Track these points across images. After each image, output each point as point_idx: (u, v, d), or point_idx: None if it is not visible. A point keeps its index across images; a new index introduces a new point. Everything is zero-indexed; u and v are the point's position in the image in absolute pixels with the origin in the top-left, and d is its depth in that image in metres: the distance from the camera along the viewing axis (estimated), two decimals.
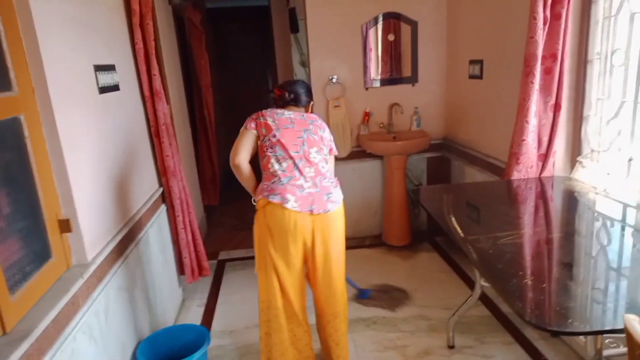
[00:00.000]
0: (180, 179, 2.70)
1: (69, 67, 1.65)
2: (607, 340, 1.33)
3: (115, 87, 2.08)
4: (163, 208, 2.65)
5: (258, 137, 1.90)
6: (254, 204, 1.96)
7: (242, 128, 1.93)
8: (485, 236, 1.70)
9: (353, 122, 3.44)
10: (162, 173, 2.62)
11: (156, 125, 2.51)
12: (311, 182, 1.86)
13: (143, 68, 2.40)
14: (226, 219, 4.36)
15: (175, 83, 3.41)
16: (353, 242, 3.47)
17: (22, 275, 1.37)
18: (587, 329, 1.12)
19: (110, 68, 2.03)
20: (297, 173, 1.85)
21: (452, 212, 2.06)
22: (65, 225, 1.57)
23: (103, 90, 1.93)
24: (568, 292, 1.30)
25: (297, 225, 1.80)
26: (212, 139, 4.43)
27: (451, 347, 2.26)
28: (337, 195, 1.92)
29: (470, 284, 2.83)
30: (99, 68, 1.89)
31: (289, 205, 1.79)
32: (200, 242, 2.88)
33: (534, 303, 1.25)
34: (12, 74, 1.37)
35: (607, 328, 1.10)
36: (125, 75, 2.25)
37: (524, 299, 1.26)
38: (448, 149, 3.53)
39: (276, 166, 1.85)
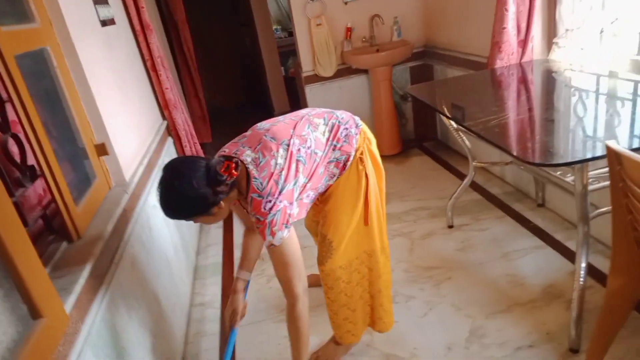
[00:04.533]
0: (182, 110, 2.81)
1: (75, 1, 1.71)
2: (590, 179, 1.58)
3: (112, 21, 2.13)
4: (170, 140, 2.78)
5: (302, 164, 1.41)
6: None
7: (285, 235, 1.31)
8: (475, 122, 1.91)
9: (336, 39, 3.51)
10: (164, 106, 2.71)
11: (151, 59, 2.57)
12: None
13: (130, 2, 2.42)
14: None
15: (154, 17, 3.40)
16: None
17: (79, 192, 1.53)
18: (570, 159, 1.36)
19: (104, 1, 2.07)
20: (322, 110, 1.59)
21: (442, 103, 2.24)
22: (101, 149, 1.72)
23: (104, 23, 1.99)
24: (552, 140, 1.54)
25: None
26: (195, 75, 4.44)
27: (450, 226, 2.55)
28: None
29: (460, 176, 3.10)
30: (96, 1, 1.94)
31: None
32: None
33: (523, 148, 1.49)
34: (32, 6, 1.45)
35: (588, 157, 1.34)
36: (116, 9, 2.29)
37: (515, 145, 1.50)
38: (429, 55, 3.66)
39: (321, 120, 1.52)
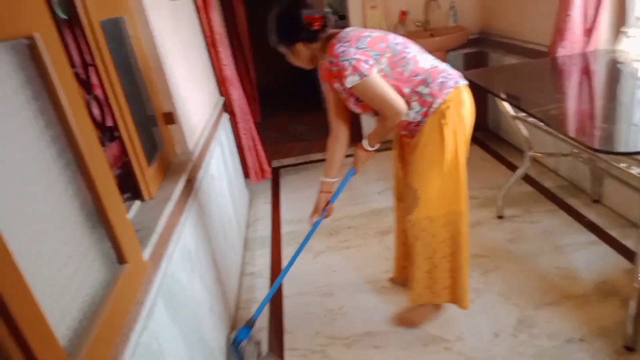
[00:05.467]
0: (238, 87, 2.89)
1: None
2: None
3: None
4: (226, 116, 2.87)
5: (380, 60, 1.52)
6: (368, 145, 1.73)
7: (358, 80, 1.49)
8: (534, 109, 1.87)
9: (390, 22, 3.48)
10: (222, 83, 2.79)
11: (211, 35, 2.65)
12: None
13: None
14: (270, 133, 4.57)
15: None
16: None
17: (148, 157, 1.62)
18: (632, 149, 1.32)
19: None
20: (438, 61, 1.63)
21: (500, 90, 2.20)
22: (169, 118, 1.80)
23: None
24: (616, 129, 1.50)
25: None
26: (248, 55, 4.53)
27: (500, 217, 2.52)
28: None
29: (511, 168, 3.04)
30: None
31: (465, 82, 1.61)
32: (260, 147, 3.13)
33: (587, 135, 1.46)
34: None
35: None
36: None
37: (578, 133, 1.47)
38: (485, 42, 3.57)
39: (429, 59, 1.59)
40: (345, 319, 1.94)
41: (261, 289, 2.22)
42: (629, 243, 2.11)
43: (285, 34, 1.61)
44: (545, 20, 2.62)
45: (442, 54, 3.40)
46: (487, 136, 3.66)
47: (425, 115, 1.59)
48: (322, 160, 3.66)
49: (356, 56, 1.49)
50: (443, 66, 1.59)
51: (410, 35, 3.50)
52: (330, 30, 1.62)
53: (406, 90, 1.57)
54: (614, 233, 2.21)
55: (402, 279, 2.04)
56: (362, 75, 1.48)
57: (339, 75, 1.53)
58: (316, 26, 1.57)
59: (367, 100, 1.57)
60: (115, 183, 1.01)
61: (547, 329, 1.73)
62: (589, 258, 2.08)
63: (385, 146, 3.46)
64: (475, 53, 3.67)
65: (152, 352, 1.09)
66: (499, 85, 2.25)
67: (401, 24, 3.48)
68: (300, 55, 1.64)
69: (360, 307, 1.98)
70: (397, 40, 1.57)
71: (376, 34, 1.57)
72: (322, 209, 1.83)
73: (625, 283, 1.87)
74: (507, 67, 3.05)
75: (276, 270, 2.36)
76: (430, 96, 1.55)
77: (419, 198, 1.63)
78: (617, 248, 2.11)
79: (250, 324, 1.76)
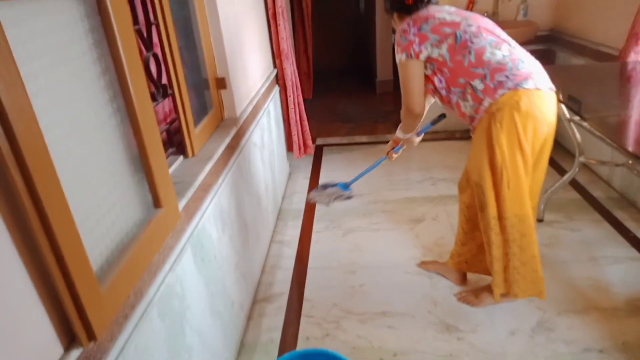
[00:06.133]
0: (292, 62, 2.94)
1: None
2: None
3: None
4: (277, 88, 2.94)
5: (439, 45, 1.55)
6: (399, 133, 1.86)
7: (403, 58, 1.59)
8: (592, 114, 1.79)
9: None
10: (277, 55, 2.86)
11: (273, 8, 2.71)
12: (532, 59, 1.58)
13: None
14: (319, 111, 4.63)
15: None
16: (444, 135, 3.64)
17: (197, 117, 1.72)
18: None
19: None
20: (520, 54, 1.55)
21: (560, 90, 2.12)
22: (221, 83, 1.89)
23: None
24: None
25: (552, 109, 1.55)
26: (308, 32, 4.58)
27: (540, 220, 2.45)
28: None
29: (560, 172, 2.93)
30: None
31: (543, 87, 1.50)
32: (306, 122, 3.19)
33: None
34: None
35: None
36: None
37: (632, 141, 1.41)
38: (554, 40, 3.41)
39: (499, 53, 1.51)
40: (364, 296, 1.99)
41: (288, 257, 2.31)
42: None
43: (387, 1, 1.74)
44: (620, 22, 2.48)
45: None
46: None
47: (477, 111, 1.58)
48: (367, 143, 3.72)
49: (410, 37, 1.57)
50: (516, 64, 1.50)
51: None
52: (430, 7, 1.63)
53: (461, 80, 1.56)
54: None
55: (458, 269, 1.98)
56: (406, 56, 1.59)
57: (396, 50, 1.64)
58: (409, 0, 1.63)
59: (400, 81, 1.68)
60: (159, 133, 1.09)
61: (566, 335, 1.70)
62: (625, 273, 2.00)
63: (431, 137, 3.43)
64: (543, 51, 3.51)
65: (175, 293, 1.20)
66: (560, 86, 2.16)
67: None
68: (397, 25, 1.70)
69: (380, 288, 2.02)
70: (471, 29, 1.53)
71: (450, 17, 1.56)
72: (387, 152, 1.98)
73: None
74: (572, 67, 2.91)
75: (305, 241, 2.43)
76: (482, 93, 1.53)
77: (486, 196, 1.63)
78: None
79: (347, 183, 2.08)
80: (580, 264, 2.08)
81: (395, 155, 1.98)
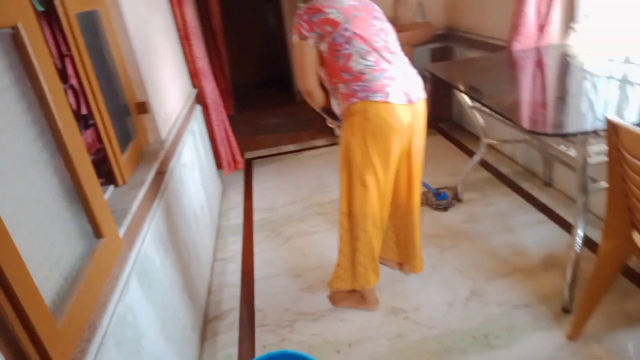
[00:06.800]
0: (211, 79, 2.96)
1: None
2: (591, 155, 1.70)
3: None
4: (199, 108, 2.94)
5: (320, 39, 1.66)
6: (331, 125, 1.98)
7: (297, 39, 1.71)
8: (489, 99, 2.02)
9: None
10: (194, 75, 2.86)
11: (185, 29, 2.72)
12: (400, 70, 1.65)
13: None
14: (243, 126, 4.65)
15: None
16: None
17: (122, 145, 1.69)
18: (573, 130, 1.48)
19: None
20: (385, 64, 1.62)
21: (459, 81, 2.35)
22: (142, 107, 1.88)
23: None
24: (560, 116, 1.66)
25: (402, 120, 1.62)
26: (221, 49, 4.58)
27: (459, 200, 2.68)
28: (422, 81, 1.75)
29: (470, 154, 3.21)
30: None
31: (392, 100, 1.58)
32: (232, 138, 3.21)
33: (532, 121, 1.61)
34: None
35: (589, 129, 1.46)
36: None
37: (525, 119, 1.62)
38: (451, 38, 3.74)
39: (362, 63, 1.60)
40: (313, 297, 2.06)
41: (233, 273, 2.32)
42: (573, 220, 2.29)
43: None
44: (504, 16, 2.79)
45: (409, 48, 3.55)
46: (451, 126, 3.85)
47: (342, 111, 1.71)
48: (294, 151, 3.80)
49: (301, 22, 1.67)
50: (374, 75, 1.59)
51: None
52: None
53: (334, 79, 1.70)
54: (561, 212, 2.41)
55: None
56: (298, 37, 1.70)
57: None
58: None
59: (295, 61, 1.79)
60: (90, 163, 1.09)
61: (496, 298, 1.89)
62: (538, 235, 2.26)
63: None
64: (441, 48, 3.83)
65: (127, 323, 1.19)
66: (459, 77, 2.40)
67: None
68: None
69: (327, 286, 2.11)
70: (346, 34, 1.61)
71: (336, 15, 1.62)
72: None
73: (566, 255, 2.04)
74: (467, 60, 3.21)
75: (248, 254, 2.46)
76: (343, 96, 1.67)
77: (340, 192, 1.78)
78: (563, 225, 2.30)
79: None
80: (498, 233, 2.31)
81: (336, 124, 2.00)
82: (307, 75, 1.75)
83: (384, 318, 1.88)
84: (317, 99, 1.83)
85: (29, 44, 0.88)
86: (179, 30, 2.72)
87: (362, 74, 1.60)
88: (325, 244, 2.45)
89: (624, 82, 1.90)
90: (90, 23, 1.62)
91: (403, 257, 2.07)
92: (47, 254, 0.90)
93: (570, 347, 1.63)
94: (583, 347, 1.62)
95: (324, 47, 1.68)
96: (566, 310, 1.77)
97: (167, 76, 2.30)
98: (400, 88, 1.61)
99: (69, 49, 1.38)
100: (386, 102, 1.58)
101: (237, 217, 2.88)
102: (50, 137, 0.96)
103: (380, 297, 1.98)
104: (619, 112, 1.60)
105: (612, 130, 1.30)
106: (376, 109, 1.58)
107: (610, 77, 1.97)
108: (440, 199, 2.69)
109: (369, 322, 1.87)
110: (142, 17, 2.02)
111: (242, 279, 2.26)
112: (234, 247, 2.56)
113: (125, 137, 1.77)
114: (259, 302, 2.08)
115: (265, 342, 1.85)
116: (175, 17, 2.68)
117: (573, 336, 1.66)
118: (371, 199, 1.73)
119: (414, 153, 1.78)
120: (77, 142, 1.02)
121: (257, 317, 1.99)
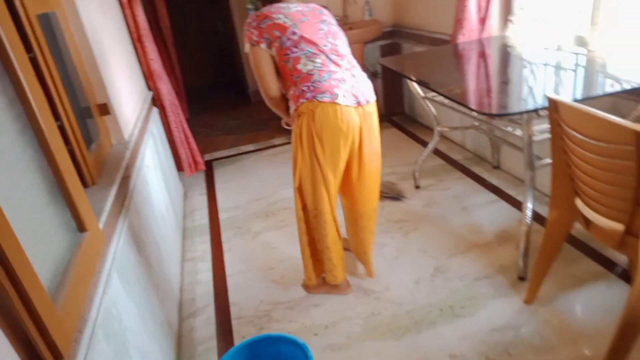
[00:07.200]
0: (167, 81, 2.94)
1: None
2: (535, 134, 1.87)
3: None
4: (156, 110, 2.91)
5: (270, 45, 1.69)
6: (286, 126, 1.99)
7: (249, 46, 1.72)
8: (440, 88, 2.16)
9: None
10: (149, 77, 2.84)
11: (137, 31, 2.69)
12: (349, 73, 1.71)
13: None
14: (199, 129, 4.61)
15: None
16: None
17: (88, 146, 1.68)
18: (518, 110, 1.63)
19: None
20: (333, 66, 1.67)
21: (411, 74, 2.48)
22: (103, 109, 1.86)
23: None
24: (505, 99, 1.81)
25: (349, 122, 1.66)
26: (171, 52, 4.53)
27: (417, 187, 2.83)
28: (371, 85, 1.80)
29: (426, 146, 3.37)
30: None
31: (340, 101, 1.62)
32: (192, 139, 3.20)
33: (480, 104, 1.76)
34: None
35: (532, 108, 1.62)
36: None
37: (474, 102, 1.77)
38: (398, 34, 3.90)
39: (310, 64, 1.65)
40: (287, 286, 2.12)
41: (204, 271, 2.33)
42: (521, 198, 2.49)
43: None
44: (448, 12, 2.97)
45: (360, 46, 3.68)
46: (405, 120, 4.02)
47: (292, 114, 1.74)
48: (254, 150, 3.83)
49: (251, 29, 1.69)
50: (321, 76, 1.64)
51: None
52: (282, 3, 1.73)
53: (287, 83, 1.75)
54: (510, 192, 2.60)
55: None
56: (250, 44, 1.71)
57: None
58: None
59: (252, 69, 1.77)
60: (69, 159, 1.10)
61: (458, 272, 2.03)
62: (491, 214, 2.43)
63: None
64: (390, 44, 3.99)
65: (113, 316, 1.20)
66: (409, 70, 2.54)
67: None
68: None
69: (300, 275, 2.17)
70: (294, 38, 1.65)
71: (283, 20, 1.66)
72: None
73: (517, 230, 2.22)
74: (416, 54, 3.37)
75: (217, 252, 2.48)
76: (292, 98, 1.71)
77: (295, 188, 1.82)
78: (512, 203, 2.49)
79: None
80: (455, 215, 2.47)
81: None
82: (268, 81, 1.75)
83: (357, 300, 1.97)
84: (279, 104, 1.83)
85: (7, 42, 0.89)
86: (131, 32, 2.69)
87: (310, 75, 1.65)
88: (295, 236, 2.48)
89: (558, 67, 2.10)
90: (48, 25, 1.59)
91: (359, 258, 2.12)
92: (37, 249, 0.91)
93: (527, 310, 1.79)
94: (539, 309, 1.78)
95: (274, 52, 1.70)
96: (521, 278, 1.93)
97: (125, 78, 2.28)
98: (348, 90, 1.66)
99: (31, 50, 1.37)
100: (334, 103, 1.62)
101: (202, 218, 2.88)
102: (32, 134, 0.97)
103: (352, 281, 2.07)
104: (556, 93, 1.78)
105: (553, 107, 1.45)
106: (323, 109, 1.62)
107: (546, 64, 2.17)
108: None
109: (343, 305, 1.95)
110: (97, 18, 2.00)
111: (213, 276, 2.28)
112: (202, 246, 2.56)
113: (89, 138, 1.76)
114: (233, 297, 2.11)
115: (244, 333, 1.88)
116: (127, 19, 2.65)
117: (529, 300, 1.82)
118: (323, 198, 1.78)
119: (365, 157, 1.80)
120: (57, 139, 1.03)
121: (233, 310, 2.02)
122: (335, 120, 1.63)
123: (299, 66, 1.66)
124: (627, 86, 1.70)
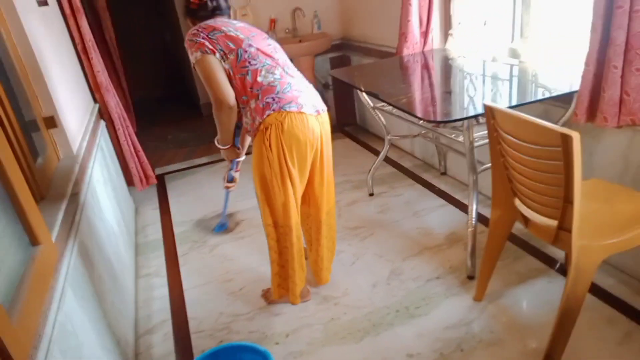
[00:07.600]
0: (114, 94, 2.87)
1: None
2: (476, 139, 2.01)
3: (45, 2, 2.18)
4: (103, 123, 2.83)
5: (225, 57, 1.66)
6: (218, 144, 1.95)
7: (200, 55, 1.63)
8: (388, 98, 2.26)
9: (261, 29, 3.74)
10: (96, 89, 2.76)
11: (82, 43, 2.62)
12: (303, 84, 1.76)
13: None
14: (150, 142, 4.51)
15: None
16: None
17: (35, 160, 1.62)
18: (460, 116, 1.75)
19: None
20: (290, 78, 1.71)
21: (360, 85, 2.58)
22: (50, 122, 1.81)
23: (39, 3, 2.05)
24: (448, 107, 1.93)
25: (314, 130, 1.70)
26: (118, 64, 4.41)
27: (371, 194, 2.92)
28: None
29: (378, 154, 3.46)
30: None
31: (305, 110, 1.67)
32: (142, 153, 3.13)
33: (426, 112, 1.87)
34: None
35: (472, 114, 1.74)
36: None
37: (420, 111, 1.87)
38: (347, 47, 4.03)
39: (270, 76, 1.67)
40: (246, 297, 2.11)
41: (159, 287, 2.28)
42: (467, 201, 2.63)
43: (183, 7, 1.83)
44: (393, 26, 3.10)
45: (310, 58, 3.77)
46: (356, 130, 4.13)
47: (252, 127, 1.72)
48: (207, 163, 3.80)
49: (200, 39, 1.64)
50: (284, 87, 1.65)
51: (281, 42, 3.79)
52: (217, 18, 1.74)
53: (244, 97, 1.71)
54: (457, 196, 2.74)
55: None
56: (201, 52, 1.63)
57: (189, 53, 1.68)
58: (193, 5, 1.74)
59: (203, 80, 1.67)
60: (20, 171, 1.07)
61: (412, 274, 2.12)
62: (440, 217, 2.55)
63: None
64: (340, 57, 4.11)
65: (68, 331, 1.17)
66: (359, 81, 2.63)
67: (272, 31, 3.76)
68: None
69: (259, 285, 2.17)
70: (251, 50, 1.65)
71: (235, 33, 1.65)
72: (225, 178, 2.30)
73: (465, 232, 2.35)
74: (364, 66, 3.49)
75: (173, 267, 2.43)
76: (254, 111, 1.68)
77: (260, 204, 1.82)
78: (460, 207, 2.63)
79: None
80: (408, 219, 2.57)
81: (232, 185, 2.20)
82: (225, 89, 1.66)
83: (316, 306, 2.00)
84: (235, 114, 1.75)
85: None
86: (76, 44, 2.62)
87: (273, 87, 1.66)
88: (252, 246, 2.51)
89: (494, 78, 2.26)
90: None
91: (312, 265, 2.12)
92: None
93: (477, 306, 1.90)
94: (487, 306, 1.89)
95: (227, 65, 1.66)
96: (470, 277, 2.05)
97: (71, 90, 2.21)
98: (308, 100, 1.71)
99: None
100: (300, 113, 1.66)
101: (155, 233, 2.82)
102: None
103: (311, 289, 2.10)
104: (493, 101, 1.92)
105: (490, 114, 1.57)
106: (291, 119, 1.64)
107: (483, 75, 2.33)
108: (218, 229, 2.71)
109: (303, 312, 1.97)
110: (40, 29, 1.94)
111: (169, 291, 2.24)
112: (157, 261, 2.51)
113: (36, 153, 1.69)
114: (191, 311, 2.08)
115: (203, 346, 1.86)
116: (70, 31, 2.58)
117: (478, 298, 1.93)
118: (293, 209, 1.79)
119: (325, 163, 1.86)
120: (6, 150, 1.01)
121: (192, 324, 1.99)
122: (304, 129, 1.67)
123: (260, 79, 1.66)
124: (556, 93, 1.87)
